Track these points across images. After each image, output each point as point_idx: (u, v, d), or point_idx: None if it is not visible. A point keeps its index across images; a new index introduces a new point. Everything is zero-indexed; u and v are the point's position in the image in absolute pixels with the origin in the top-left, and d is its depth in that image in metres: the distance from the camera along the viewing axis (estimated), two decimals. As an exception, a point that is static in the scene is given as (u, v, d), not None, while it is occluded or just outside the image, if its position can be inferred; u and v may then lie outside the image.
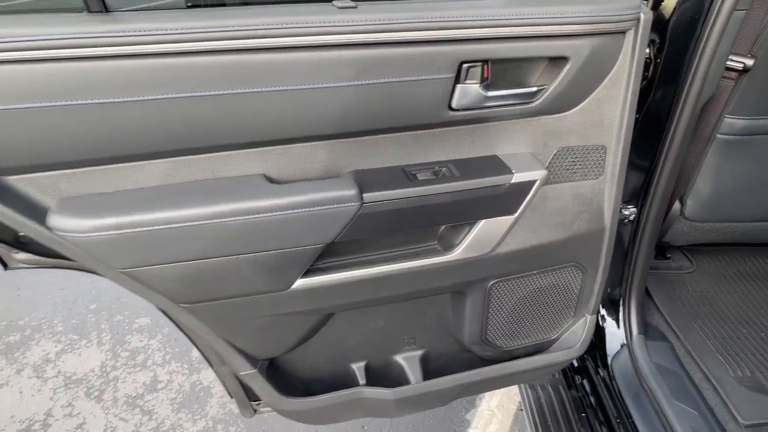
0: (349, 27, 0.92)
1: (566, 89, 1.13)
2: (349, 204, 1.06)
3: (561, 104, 1.17)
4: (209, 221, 0.98)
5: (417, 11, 0.96)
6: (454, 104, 1.08)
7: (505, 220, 1.22)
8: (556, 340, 1.57)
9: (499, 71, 1.12)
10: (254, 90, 0.94)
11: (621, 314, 1.68)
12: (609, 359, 1.68)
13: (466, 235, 1.22)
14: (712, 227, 1.73)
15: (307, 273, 1.15)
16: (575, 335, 1.55)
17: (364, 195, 1.07)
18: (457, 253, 1.23)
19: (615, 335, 1.71)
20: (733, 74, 1.40)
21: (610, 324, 1.70)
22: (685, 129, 1.35)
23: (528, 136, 1.21)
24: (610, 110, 1.21)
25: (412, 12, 0.95)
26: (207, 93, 0.92)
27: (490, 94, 1.08)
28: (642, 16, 1.08)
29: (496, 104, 1.10)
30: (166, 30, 0.85)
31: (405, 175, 1.13)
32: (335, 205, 1.06)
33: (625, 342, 1.68)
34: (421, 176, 1.15)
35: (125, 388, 2.63)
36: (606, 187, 1.31)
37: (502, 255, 1.28)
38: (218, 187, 1.02)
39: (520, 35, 1.03)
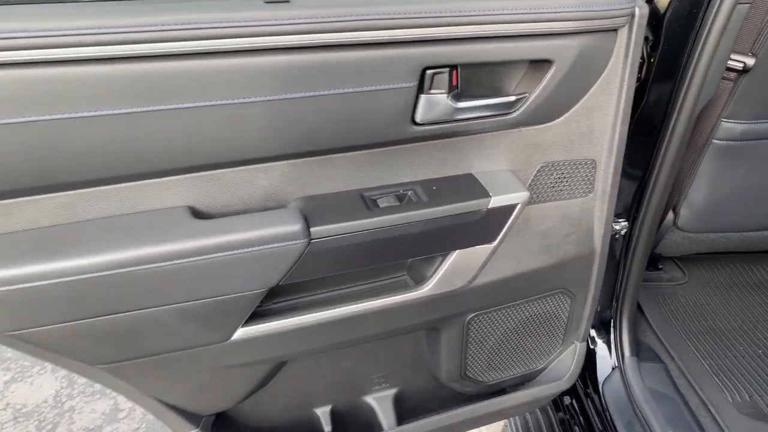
0: (281, 26, 0.74)
1: (550, 97, 0.97)
2: (294, 242, 0.89)
3: (544, 114, 1.01)
4: (120, 270, 0.80)
5: (366, 6, 0.78)
6: (417, 118, 0.91)
7: (483, 249, 1.06)
8: (543, 369, 1.42)
9: (471, 77, 0.95)
10: (167, 107, 0.75)
11: (612, 335, 1.55)
12: (600, 383, 1.55)
13: (439, 266, 1.06)
14: (707, 237, 1.61)
15: (251, 319, 0.97)
16: (564, 364, 1.40)
17: (313, 229, 0.90)
18: (429, 288, 1.07)
19: (606, 357, 1.57)
20: (732, 75, 1.26)
21: (600, 346, 1.57)
22: (681, 136, 1.21)
23: (507, 151, 1.05)
24: (601, 119, 1.06)
25: (360, 7, 0.78)
26: (107, 111, 0.73)
27: (461, 105, 0.92)
28: (637, 11, 0.92)
29: (469, 117, 0.94)
30: (44, 31, 0.66)
31: (363, 202, 0.96)
32: (277, 244, 0.88)
33: (616, 364, 1.55)
34: (382, 202, 0.98)
35: (82, 419, 2.42)
36: (596, 206, 1.16)
37: (481, 286, 1.13)
38: (131, 226, 0.83)
39: (494, 34, 0.86)
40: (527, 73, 0.97)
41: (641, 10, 0.93)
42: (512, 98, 0.95)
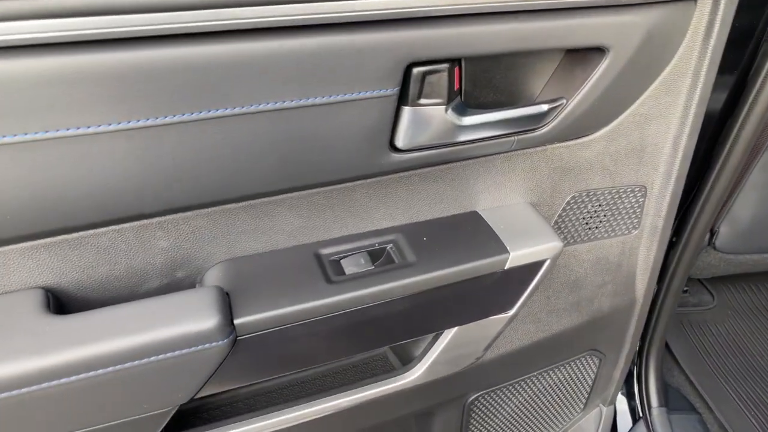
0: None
1: (596, 102, 0.65)
2: (207, 345, 0.55)
3: (582, 126, 0.69)
4: None
5: None
6: (399, 143, 0.58)
7: (496, 321, 0.74)
8: None
9: (479, 77, 0.62)
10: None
11: (636, 382, 1.27)
12: (621, 440, 1.27)
13: (433, 346, 0.74)
14: (748, 259, 1.33)
15: None
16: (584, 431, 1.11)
17: (240, 321, 0.57)
18: (419, 375, 0.75)
19: (627, 405, 1.29)
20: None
21: (621, 397, 1.29)
22: (749, 139, 0.90)
23: (527, 177, 0.73)
24: (658, 131, 0.74)
25: None
26: None
27: (467, 121, 0.59)
28: None
29: (477, 138, 0.61)
30: None
31: (319, 266, 0.63)
32: (179, 352, 0.55)
33: (642, 415, 1.27)
34: (349, 265, 0.65)
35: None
36: (642, 246, 0.85)
37: (489, 362, 0.82)
38: None
39: (517, 7, 0.53)
40: (563, 68, 0.64)
41: None
42: (544, 108, 0.62)
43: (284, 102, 0.50)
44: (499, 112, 0.60)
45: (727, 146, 0.92)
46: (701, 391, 1.30)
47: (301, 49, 0.47)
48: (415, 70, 0.53)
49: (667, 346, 1.40)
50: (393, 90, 0.53)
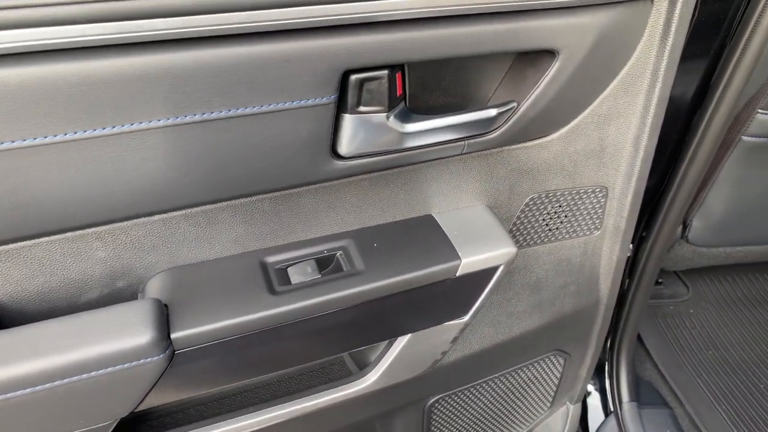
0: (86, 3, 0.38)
1: (550, 104, 0.63)
2: (143, 361, 0.54)
3: (538, 127, 0.67)
4: None
5: None
6: (341, 150, 0.56)
7: (451, 327, 0.73)
8: None
9: (426, 80, 0.60)
10: None
11: (607, 377, 1.27)
12: (592, 434, 1.28)
13: (387, 352, 0.73)
14: (721, 252, 1.32)
15: None
16: (551, 429, 1.11)
17: (177, 335, 0.55)
18: (374, 380, 0.74)
19: (599, 401, 1.30)
20: (782, 55, 0.93)
21: (591, 388, 1.29)
22: (717, 134, 0.89)
23: (483, 180, 0.71)
24: (618, 131, 0.72)
25: None
26: None
27: (411, 128, 0.57)
28: None
29: (425, 144, 0.59)
30: None
31: (264, 275, 0.62)
32: (112, 368, 0.53)
33: (612, 409, 1.27)
34: (295, 273, 0.63)
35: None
36: (605, 246, 0.84)
37: (448, 365, 0.81)
38: None
39: (462, 11, 0.50)
40: (514, 71, 0.62)
41: None
42: (493, 112, 0.60)
43: (211, 113, 0.48)
44: (445, 118, 0.58)
45: (696, 140, 0.91)
46: (673, 385, 1.30)
47: (224, 60, 0.45)
48: (353, 78, 0.51)
49: (640, 339, 1.40)
50: (330, 98, 0.51)
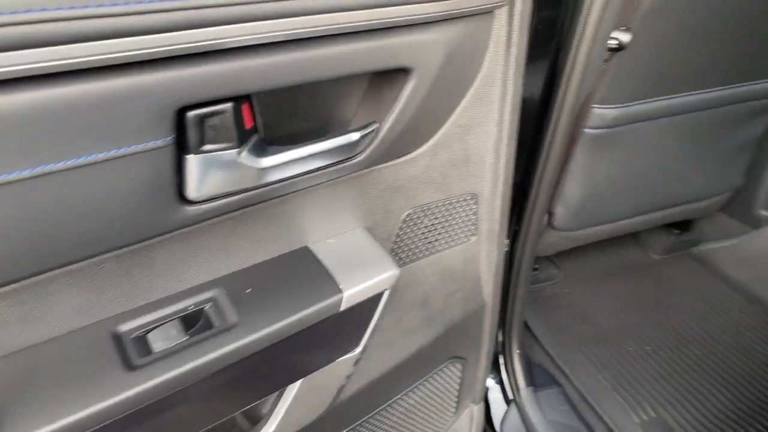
0: None
1: (411, 121, 0.62)
2: None
3: (403, 144, 0.66)
4: None
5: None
6: (190, 194, 0.49)
7: (344, 362, 0.69)
8: None
9: (282, 108, 0.56)
10: None
11: (503, 369, 1.32)
12: (497, 426, 1.32)
13: (278, 403, 0.67)
14: (582, 234, 1.44)
15: None
16: (460, 432, 1.13)
17: None
18: (272, 431, 0.68)
19: (500, 393, 1.34)
20: (606, 54, 1.04)
21: (491, 382, 1.33)
22: (566, 128, 0.96)
23: (356, 203, 0.68)
24: (479, 139, 0.74)
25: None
26: None
27: (267, 162, 0.52)
28: None
29: (284, 177, 0.55)
30: None
31: (117, 348, 0.53)
32: None
33: (512, 397, 1.33)
34: (157, 340, 0.55)
35: None
36: (482, 250, 0.86)
37: (348, 399, 0.77)
38: None
39: (307, 33, 0.47)
40: (371, 91, 0.60)
41: None
42: (356, 136, 0.57)
43: (23, 171, 0.39)
44: (306, 147, 0.54)
45: (548, 138, 0.97)
46: (560, 363, 1.39)
47: (31, 106, 0.37)
48: (190, 115, 0.45)
49: (527, 326, 1.48)
50: (166, 140, 0.44)
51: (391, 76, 0.57)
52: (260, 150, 0.51)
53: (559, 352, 1.41)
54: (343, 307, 0.62)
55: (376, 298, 0.65)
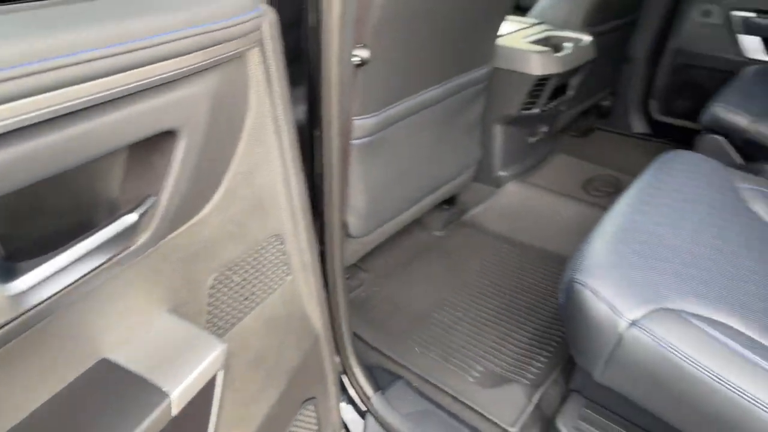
0: None
1: (191, 183, 0.56)
2: None
3: (189, 208, 0.60)
4: None
5: None
6: None
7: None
8: None
9: (18, 210, 0.45)
10: None
11: (349, 386, 1.32)
12: (360, 441, 1.32)
13: None
14: (375, 236, 1.54)
15: None
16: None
17: None
18: None
19: (353, 411, 1.35)
20: (353, 71, 1.11)
21: (342, 405, 1.33)
22: (338, 148, 1.00)
23: (151, 286, 0.59)
24: (266, 180, 0.72)
25: None
26: None
27: (21, 284, 0.41)
28: (267, 18, 0.59)
29: (49, 296, 0.44)
30: None
31: None
32: None
33: (365, 408, 1.35)
34: None
35: None
36: (302, 286, 0.84)
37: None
38: None
39: (45, 116, 0.38)
40: (136, 161, 0.52)
41: (270, 17, 0.60)
42: (133, 217, 0.49)
43: None
44: (71, 250, 0.44)
45: (326, 157, 1.00)
46: (393, 356, 1.46)
47: None
48: None
49: (357, 335, 1.52)
50: None
51: (156, 142, 0.51)
52: (7, 272, 0.40)
53: (390, 347, 1.49)
54: (175, 411, 0.53)
55: (210, 384, 0.58)
